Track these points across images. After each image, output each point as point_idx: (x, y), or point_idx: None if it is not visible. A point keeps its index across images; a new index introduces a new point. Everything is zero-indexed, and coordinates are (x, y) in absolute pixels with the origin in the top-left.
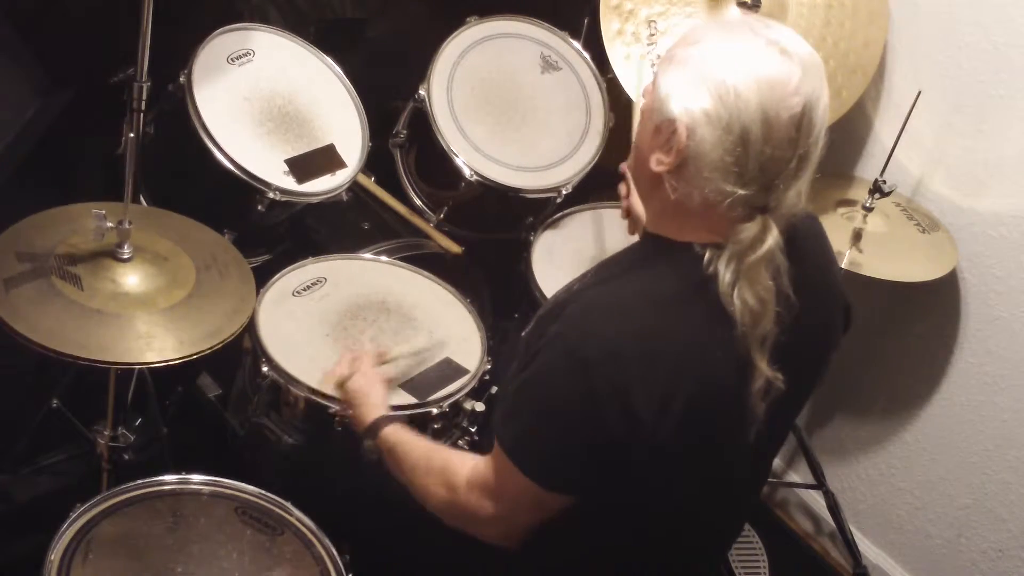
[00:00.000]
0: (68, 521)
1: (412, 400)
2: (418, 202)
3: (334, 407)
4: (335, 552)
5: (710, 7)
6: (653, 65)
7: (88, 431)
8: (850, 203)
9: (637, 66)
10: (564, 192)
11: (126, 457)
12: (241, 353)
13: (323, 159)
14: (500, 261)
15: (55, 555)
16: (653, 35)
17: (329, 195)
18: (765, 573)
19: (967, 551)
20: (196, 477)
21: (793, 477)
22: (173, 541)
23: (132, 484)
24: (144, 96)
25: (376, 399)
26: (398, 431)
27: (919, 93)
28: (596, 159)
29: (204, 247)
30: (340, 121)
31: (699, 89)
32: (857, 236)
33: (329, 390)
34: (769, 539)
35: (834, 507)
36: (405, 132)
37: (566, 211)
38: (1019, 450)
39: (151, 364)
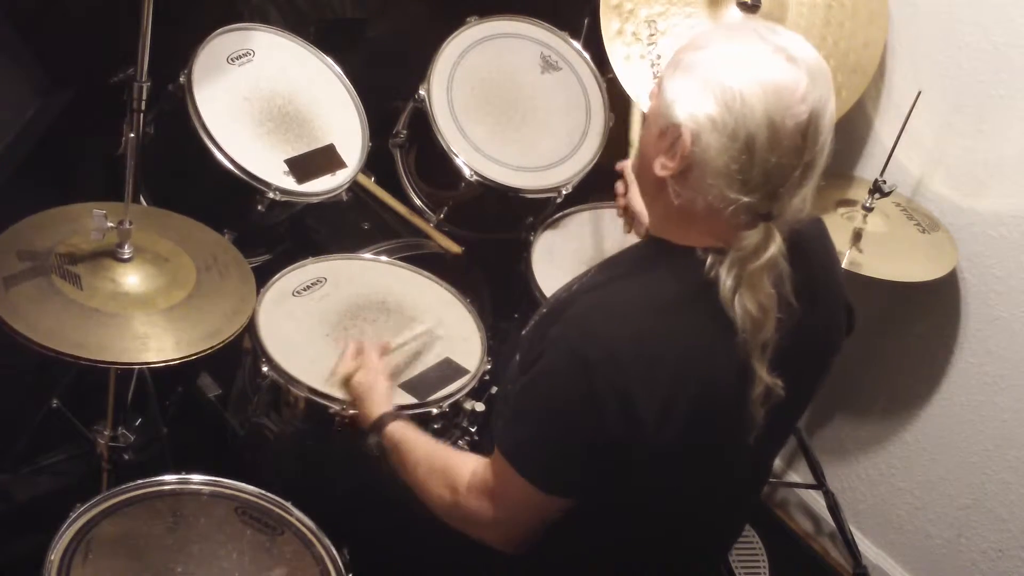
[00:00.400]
0: (68, 521)
1: (412, 400)
2: (418, 202)
3: (334, 407)
4: (335, 552)
5: (710, 7)
6: (653, 65)
7: (88, 431)
8: (850, 203)
9: (637, 66)
10: (564, 192)
11: (126, 457)
12: (241, 353)
13: (323, 159)
14: (500, 261)
15: (55, 555)
16: (653, 35)
17: (329, 195)
18: (765, 573)
19: (967, 551)
20: (196, 477)
21: (793, 477)
22: (173, 541)
23: (132, 484)
24: (144, 96)
25: (380, 395)
26: (402, 429)
27: (919, 93)
28: (596, 159)
29: (204, 247)
30: (340, 121)
31: (705, 95)
32: (857, 236)
33: (335, 387)
34: (769, 539)
35: (834, 507)
36: (405, 132)
37: (566, 211)
38: (1019, 450)
39: (149, 364)
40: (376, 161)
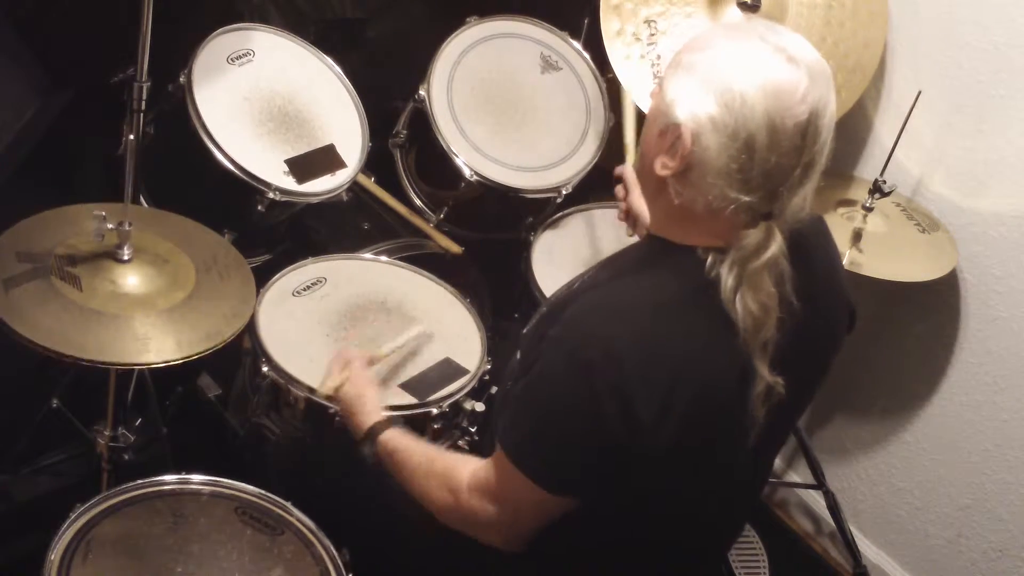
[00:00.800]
0: (68, 521)
1: (412, 400)
2: (418, 202)
3: (334, 407)
4: (335, 552)
5: (710, 7)
6: (653, 65)
7: (88, 431)
8: (850, 203)
9: (637, 66)
10: (564, 192)
11: (126, 457)
12: (241, 353)
13: (323, 159)
14: (500, 261)
15: (55, 555)
16: (653, 35)
17: (329, 195)
18: (765, 573)
19: (967, 551)
20: (196, 477)
21: (793, 477)
22: (173, 541)
23: (132, 484)
24: (144, 96)
25: (369, 405)
26: (396, 437)
27: (919, 93)
28: (596, 159)
29: (205, 248)
30: (340, 121)
31: (705, 95)
32: (857, 236)
33: (324, 399)
34: (769, 539)
35: (834, 507)
36: (405, 132)
37: (566, 211)
38: (1019, 450)
39: (149, 365)
40: (376, 161)
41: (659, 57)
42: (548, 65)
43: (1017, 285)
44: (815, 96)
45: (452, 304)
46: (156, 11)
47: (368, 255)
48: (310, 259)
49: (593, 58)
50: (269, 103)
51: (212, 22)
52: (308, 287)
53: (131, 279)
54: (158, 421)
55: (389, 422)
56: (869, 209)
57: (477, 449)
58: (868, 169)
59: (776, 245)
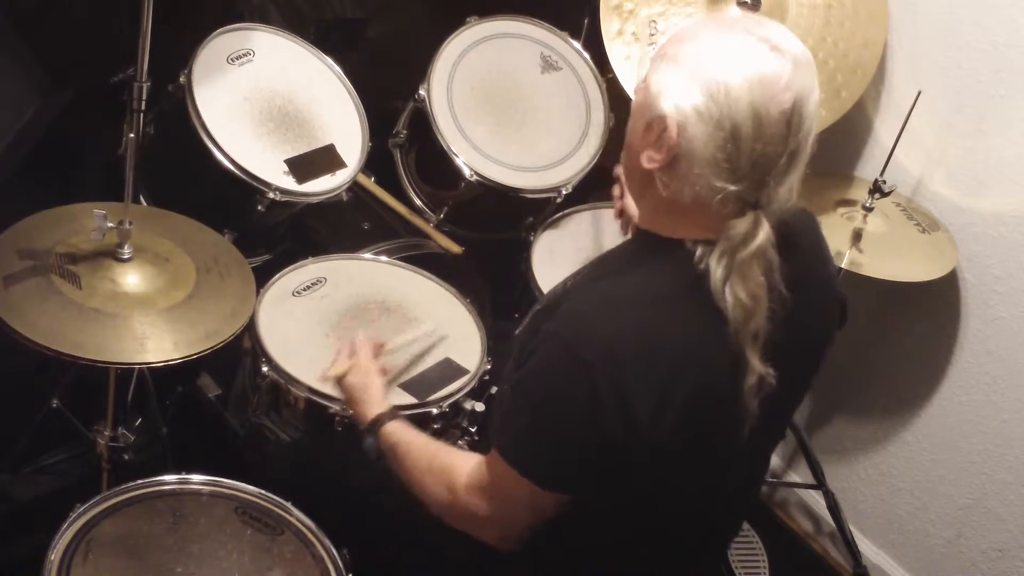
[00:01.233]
0: (68, 521)
1: (412, 400)
2: (418, 202)
3: (334, 407)
4: (335, 552)
5: (710, 6)
6: None
7: (88, 431)
8: (850, 203)
9: (637, 66)
10: (564, 192)
11: (126, 457)
12: (241, 353)
13: (323, 159)
14: (500, 261)
15: (55, 555)
16: (653, 35)
17: (329, 195)
18: (765, 573)
19: (967, 551)
20: (196, 477)
21: (793, 477)
22: (173, 541)
23: (132, 484)
24: (144, 96)
25: (374, 395)
26: (398, 429)
27: (919, 93)
28: (596, 159)
29: (205, 248)
30: (340, 121)
31: (690, 86)
32: (857, 236)
33: (328, 387)
34: (769, 539)
35: (834, 507)
36: (405, 132)
37: (566, 211)
38: (1019, 450)
39: (148, 364)
40: (376, 161)
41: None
42: (548, 65)
43: (1017, 285)
44: (799, 84)
45: (452, 304)
46: (156, 11)
47: (368, 255)
48: (310, 259)
49: (593, 58)
50: (269, 103)
51: (212, 22)
52: (308, 287)
53: (131, 278)
54: (158, 421)
55: (392, 413)
56: (869, 209)
57: (477, 449)
58: (868, 169)
59: (764, 234)
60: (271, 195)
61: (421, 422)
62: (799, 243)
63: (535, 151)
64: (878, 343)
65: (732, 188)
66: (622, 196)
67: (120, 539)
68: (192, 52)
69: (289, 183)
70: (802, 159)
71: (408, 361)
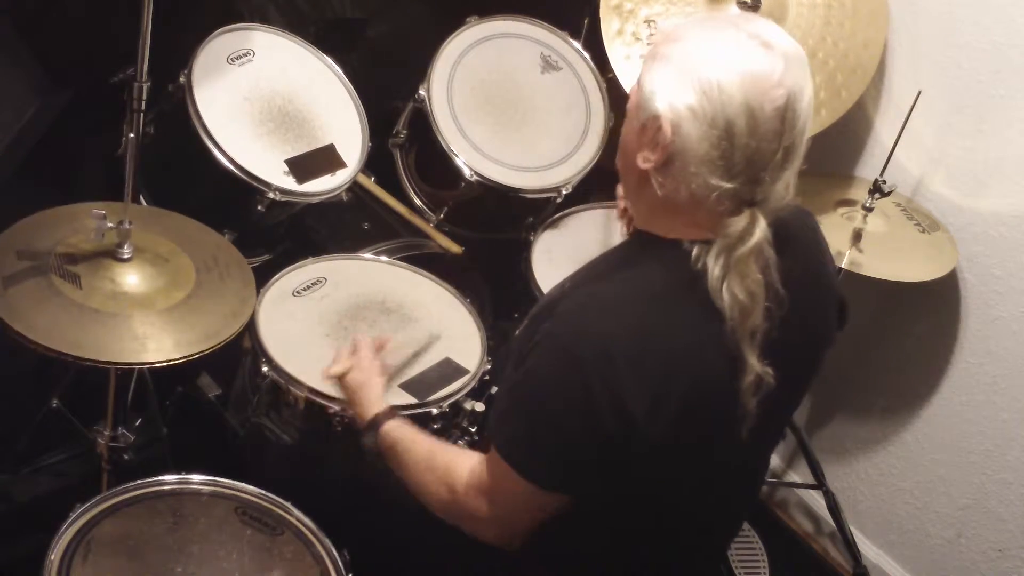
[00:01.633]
0: (68, 521)
1: (412, 400)
2: (418, 202)
3: (334, 407)
4: (335, 552)
5: (709, 7)
6: None
7: (88, 431)
8: (850, 203)
9: (637, 66)
10: (564, 192)
11: (126, 457)
12: (241, 353)
13: (323, 159)
14: (500, 261)
15: (55, 555)
16: (653, 35)
17: (329, 195)
18: (765, 573)
19: (967, 551)
20: (196, 477)
21: (793, 477)
22: (173, 541)
23: (132, 484)
24: (144, 96)
25: (374, 394)
26: (398, 428)
27: (919, 93)
28: (596, 159)
29: (206, 248)
30: (340, 121)
31: (683, 85)
32: (857, 236)
33: (328, 387)
34: (769, 539)
35: (834, 507)
36: (405, 132)
37: (566, 211)
38: (1019, 450)
39: (148, 364)
40: (376, 161)
41: None
42: (548, 65)
43: (1017, 285)
44: (792, 80)
45: (452, 304)
46: (156, 11)
47: (368, 255)
48: (310, 259)
49: (593, 58)
50: (269, 103)
51: (212, 22)
52: (308, 287)
53: (131, 278)
54: (158, 421)
55: (392, 413)
56: (869, 209)
57: (477, 449)
58: (868, 169)
59: (760, 231)
60: (271, 195)
61: (421, 422)
62: (798, 243)
63: (535, 151)
64: (878, 343)
65: (728, 185)
66: (625, 195)
67: (120, 539)
68: (192, 52)
69: (289, 183)
70: (797, 155)
71: (408, 361)
